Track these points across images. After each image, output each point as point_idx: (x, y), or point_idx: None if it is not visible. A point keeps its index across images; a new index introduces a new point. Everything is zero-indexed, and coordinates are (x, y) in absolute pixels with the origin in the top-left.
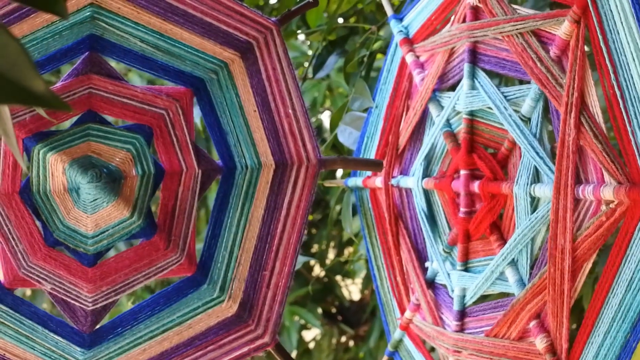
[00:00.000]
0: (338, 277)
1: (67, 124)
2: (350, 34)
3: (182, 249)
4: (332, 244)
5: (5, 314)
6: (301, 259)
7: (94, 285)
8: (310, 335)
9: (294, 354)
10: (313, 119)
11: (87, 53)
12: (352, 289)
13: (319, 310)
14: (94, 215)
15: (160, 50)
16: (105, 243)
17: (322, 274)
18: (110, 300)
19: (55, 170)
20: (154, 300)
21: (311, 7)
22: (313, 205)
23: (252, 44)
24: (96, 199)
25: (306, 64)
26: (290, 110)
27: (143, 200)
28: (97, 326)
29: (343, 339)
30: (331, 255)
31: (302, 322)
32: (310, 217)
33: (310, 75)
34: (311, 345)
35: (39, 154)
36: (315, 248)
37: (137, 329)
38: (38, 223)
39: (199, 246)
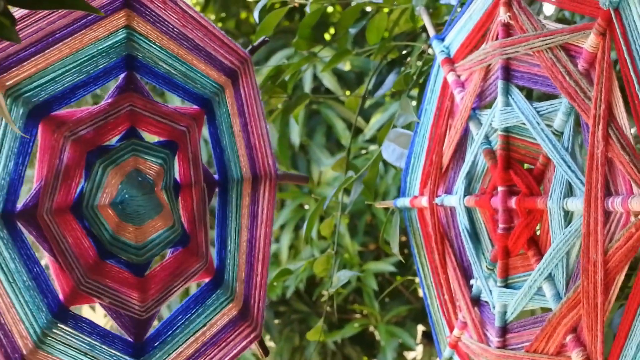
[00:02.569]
0: None
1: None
2: (409, 53)
3: (204, 255)
4: None
5: (67, 334)
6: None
7: (145, 295)
8: (412, 355)
9: None
10: None
11: (125, 72)
12: None
13: (420, 330)
14: (141, 226)
15: (179, 73)
16: (153, 252)
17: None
18: (157, 308)
19: (109, 183)
20: (187, 305)
21: (264, 43)
22: None
23: (237, 72)
24: (144, 211)
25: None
26: (260, 130)
27: (175, 211)
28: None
29: None
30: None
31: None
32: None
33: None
34: None
35: (99, 167)
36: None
37: (175, 334)
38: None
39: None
